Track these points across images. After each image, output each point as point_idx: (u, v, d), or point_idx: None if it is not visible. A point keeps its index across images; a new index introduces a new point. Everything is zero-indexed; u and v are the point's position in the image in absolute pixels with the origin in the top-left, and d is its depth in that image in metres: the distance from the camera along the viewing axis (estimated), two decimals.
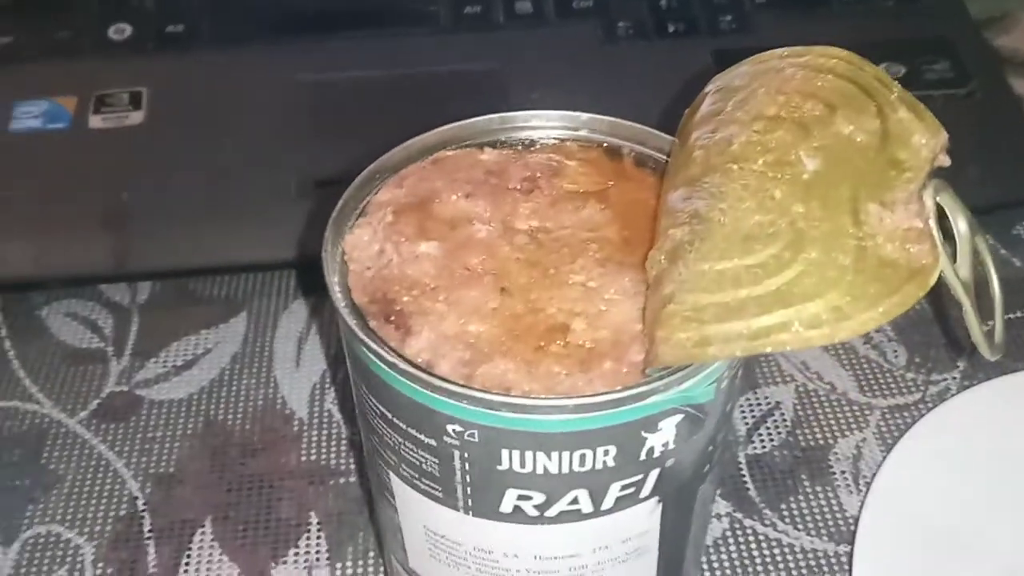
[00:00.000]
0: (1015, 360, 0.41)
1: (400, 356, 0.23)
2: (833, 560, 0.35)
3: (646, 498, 0.25)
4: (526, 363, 0.23)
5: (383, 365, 0.23)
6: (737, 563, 0.35)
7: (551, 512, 0.24)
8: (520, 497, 0.24)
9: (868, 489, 0.36)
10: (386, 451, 0.25)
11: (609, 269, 0.25)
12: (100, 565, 0.36)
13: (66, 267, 0.44)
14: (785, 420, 0.40)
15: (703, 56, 0.49)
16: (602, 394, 0.22)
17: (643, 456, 0.23)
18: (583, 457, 0.23)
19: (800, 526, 0.36)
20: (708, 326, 0.21)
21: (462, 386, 0.22)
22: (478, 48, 0.51)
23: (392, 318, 0.24)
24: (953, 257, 0.22)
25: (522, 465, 0.23)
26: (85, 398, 0.41)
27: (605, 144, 0.28)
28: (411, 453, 0.24)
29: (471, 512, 0.25)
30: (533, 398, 0.22)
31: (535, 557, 0.25)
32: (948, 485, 0.35)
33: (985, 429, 0.37)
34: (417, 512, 0.26)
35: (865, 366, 0.41)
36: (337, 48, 0.51)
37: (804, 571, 0.35)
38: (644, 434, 0.23)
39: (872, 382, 0.41)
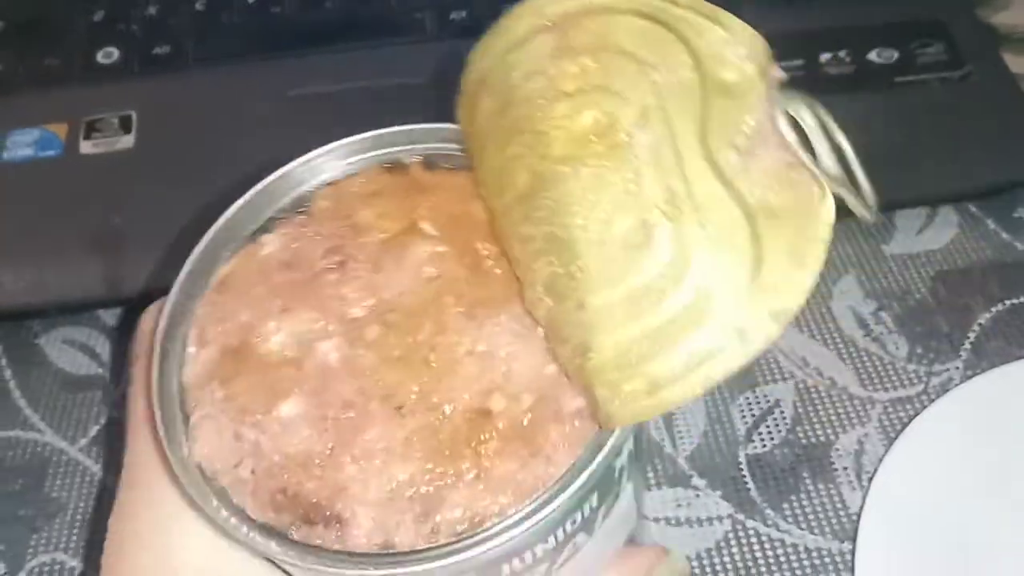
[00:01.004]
0: (1019, 347, 0.41)
1: (359, 557, 0.19)
2: (838, 558, 0.35)
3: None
4: (480, 478, 0.19)
5: None
6: (740, 565, 0.35)
7: None
8: None
9: (870, 484, 0.35)
10: None
11: (482, 318, 0.21)
12: None
13: (62, 294, 0.44)
14: (785, 418, 0.39)
15: None
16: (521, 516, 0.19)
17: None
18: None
19: (803, 525, 0.36)
20: (647, 365, 0.19)
21: (448, 548, 0.19)
22: (466, 54, 0.51)
23: (313, 516, 0.19)
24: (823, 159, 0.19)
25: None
26: (85, 425, 0.41)
27: (385, 163, 0.24)
28: None
29: None
30: (521, 512, 0.19)
31: None
32: (951, 478, 0.35)
33: (988, 420, 0.36)
34: None
35: (866, 359, 0.41)
36: (325, 62, 0.51)
37: (808, 570, 0.34)
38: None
39: (873, 375, 0.40)
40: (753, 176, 0.18)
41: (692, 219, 0.18)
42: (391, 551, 0.19)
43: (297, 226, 0.23)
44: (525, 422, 0.20)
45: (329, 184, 0.23)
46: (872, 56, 0.48)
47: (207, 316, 0.22)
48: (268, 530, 0.19)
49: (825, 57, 0.48)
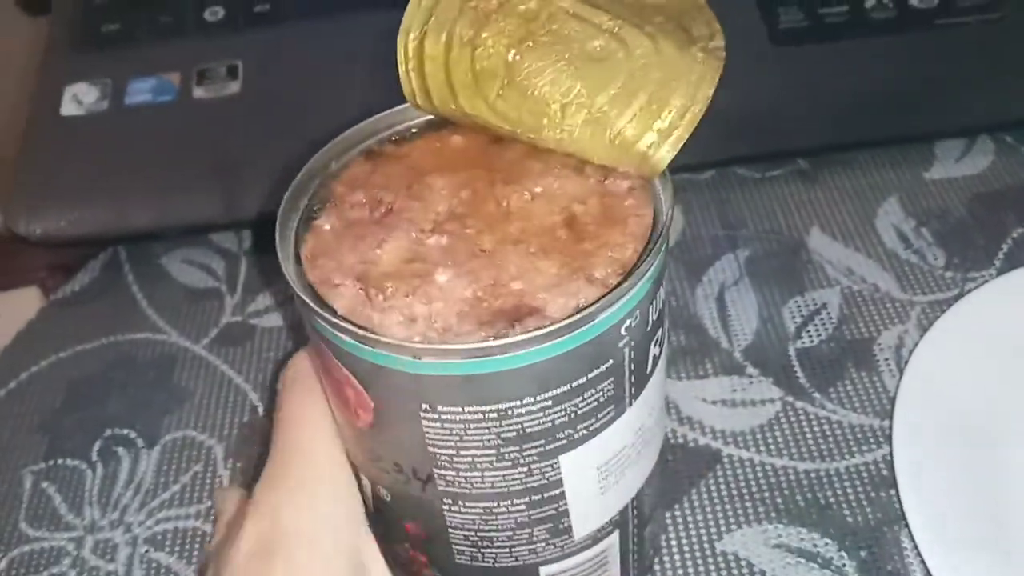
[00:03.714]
0: None
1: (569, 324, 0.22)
2: (879, 432, 0.39)
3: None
4: (606, 244, 0.24)
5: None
6: (790, 438, 0.39)
7: (662, 330, 0.26)
8: (659, 341, 0.26)
9: (905, 366, 0.39)
10: (555, 441, 0.25)
11: (517, 179, 0.26)
12: (229, 461, 0.41)
13: (180, 219, 0.50)
14: (832, 318, 0.43)
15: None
16: None
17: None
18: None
19: (847, 405, 0.40)
20: (664, 110, 0.25)
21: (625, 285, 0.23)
22: None
23: (517, 316, 0.23)
24: None
25: (662, 302, 0.25)
26: (206, 328, 0.47)
27: (362, 153, 0.28)
28: (587, 403, 0.24)
29: (634, 399, 0.26)
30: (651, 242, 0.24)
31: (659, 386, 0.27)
32: (978, 360, 0.39)
33: (1016, 310, 0.40)
34: (588, 463, 0.26)
35: (907, 268, 0.45)
36: None
37: (851, 442, 0.39)
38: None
39: (913, 282, 0.44)
40: None
41: (637, 24, 0.25)
42: (582, 310, 0.22)
43: (333, 206, 0.26)
44: (605, 207, 0.25)
45: (323, 181, 0.27)
46: (914, 1, 0.52)
47: (323, 271, 0.24)
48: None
49: (870, 3, 0.52)
